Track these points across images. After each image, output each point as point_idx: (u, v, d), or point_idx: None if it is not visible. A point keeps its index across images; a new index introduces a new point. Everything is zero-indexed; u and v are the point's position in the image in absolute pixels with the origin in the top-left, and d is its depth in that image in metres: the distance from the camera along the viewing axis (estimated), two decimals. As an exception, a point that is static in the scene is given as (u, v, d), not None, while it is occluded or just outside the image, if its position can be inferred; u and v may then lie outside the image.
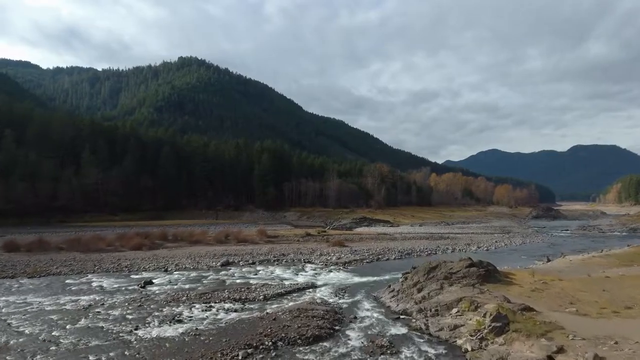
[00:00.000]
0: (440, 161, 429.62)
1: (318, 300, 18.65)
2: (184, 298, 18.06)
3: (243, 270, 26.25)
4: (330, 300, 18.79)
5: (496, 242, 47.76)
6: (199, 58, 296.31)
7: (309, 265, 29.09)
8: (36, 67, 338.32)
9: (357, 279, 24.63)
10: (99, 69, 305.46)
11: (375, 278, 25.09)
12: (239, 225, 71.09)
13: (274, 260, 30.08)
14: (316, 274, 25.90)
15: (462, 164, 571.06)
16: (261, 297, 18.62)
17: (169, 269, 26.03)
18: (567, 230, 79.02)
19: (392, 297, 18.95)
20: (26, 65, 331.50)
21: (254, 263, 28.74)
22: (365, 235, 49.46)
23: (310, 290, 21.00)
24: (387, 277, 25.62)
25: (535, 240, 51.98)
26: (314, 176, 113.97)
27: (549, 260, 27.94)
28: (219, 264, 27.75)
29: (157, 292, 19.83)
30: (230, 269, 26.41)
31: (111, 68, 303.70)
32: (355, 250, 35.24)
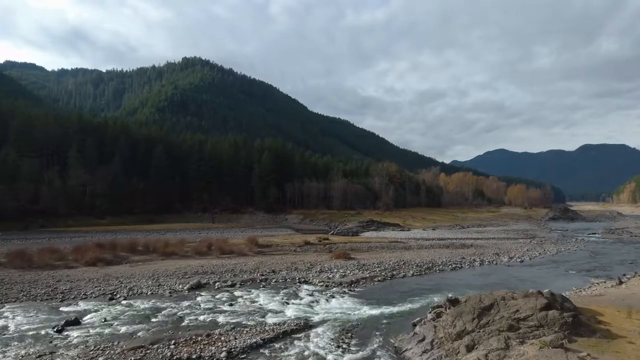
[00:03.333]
0: (447, 161, 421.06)
1: (311, 359, 12.20)
2: (101, 359, 11.62)
3: (216, 297, 19.78)
4: (330, 358, 12.33)
5: (527, 250, 40.94)
6: (203, 58, 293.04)
7: (304, 287, 22.57)
8: (41, 68, 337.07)
9: (367, 310, 18.14)
10: (104, 70, 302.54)
11: (392, 308, 18.58)
12: (235, 230, 64.85)
13: (260, 281, 23.58)
14: (313, 301, 19.41)
15: (468, 164, 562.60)
16: (222, 354, 12.13)
17: (117, 296, 19.65)
18: (595, 234, 72.03)
19: (424, 352, 12.41)
20: (31, 67, 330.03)
21: (233, 285, 22.25)
22: (374, 242, 42.82)
23: (302, 334, 14.51)
24: (407, 306, 19.13)
25: (570, 248, 45.01)
26: (318, 176, 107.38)
27: (620, 282, 21.21)
28: (186, 286, 21.31)
29: (72, 341, 13.44)
30: (199, 296, 19.96)
31: (115, 69, 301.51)
32: (364, 265, 28.66)
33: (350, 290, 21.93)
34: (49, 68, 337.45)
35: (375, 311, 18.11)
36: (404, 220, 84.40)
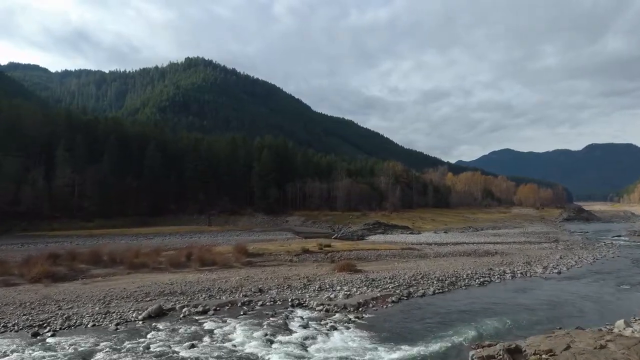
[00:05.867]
0: (452, 161, 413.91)
1: None
2: None
3: (177, 331, 14.71)
4: None
5: (560, 258, 35.56)
6: (206, 58, 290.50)
7: (298, 312, 17.49)
8: (44, 70, 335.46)
9: (382, 353, 13.09)
10: (107, 71, 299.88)
11: (415, 348, 13.52)
12: (230, 234, 60.06)
13: (242, 304, 18.46)
14: (308, 337, 14.32)
15: (474, 164, 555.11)
16: None
17: (46, 330, 14.65)
18: (620, 236, 66.68)
19: None
20: (34, 68, 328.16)
21: (205, 312, 17.15)
22: (383, 249, 37.58)
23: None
24: (436, 344, 14.04)
25: (606, 255, 39.61)
26: (320, 176, 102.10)
27: None
28: (142, 315, 16.25)
29: None
30: (154, 329, 14.91)
31: (118, 70, 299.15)
32: (373, 280, 23.49)
33: (358, 318, 16.84)
34: (52, 69, 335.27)
35: (394, 355, 13.01)
36: (412, 222, 79.08)
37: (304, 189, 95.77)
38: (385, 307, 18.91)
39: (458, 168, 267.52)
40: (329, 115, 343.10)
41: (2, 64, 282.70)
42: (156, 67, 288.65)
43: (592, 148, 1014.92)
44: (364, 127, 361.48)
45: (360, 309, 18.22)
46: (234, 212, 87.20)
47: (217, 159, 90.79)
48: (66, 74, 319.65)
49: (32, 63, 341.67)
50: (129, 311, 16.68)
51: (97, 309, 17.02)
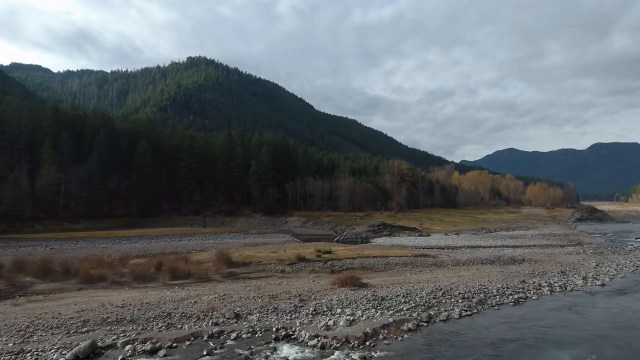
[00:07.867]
0: (456, 160, 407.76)
1: None
2: None
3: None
4: None
5: (596, 265, 30.79)
6: (208, 58, 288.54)
7: (284, 351, 12.90)
8: (47, 70, 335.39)
9: None
10: (108, 71, 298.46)
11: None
12: (223, 236, 55.50)
13: (210, 337, 13.84)
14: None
15: (478, 164, 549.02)
16: None
17: None
18: (644, 238, 61.89)
19: None
20: (37, 69, 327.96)
21: (155, 351, 12.53)
22: (392, 256, 32.77)
23: None
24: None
25: (645, 261, 34.77)
26: (322, 174, 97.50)
27: None
28: (67, 356, 11.68)
29: None
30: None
31: (120, 70, 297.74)
32: (383, 298, 18.82)
33: (364, 358, 12.25)
34: (55, 70, 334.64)
35: None
36: (420, 222, 74.29)
37: (305, 188, 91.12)
38: (400, 338, 14.30)
39: (462, 167, 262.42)
40: (332, 114, 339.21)
41: (4, 65, 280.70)
42: (158, 67, 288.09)
43: (597, 147, 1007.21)
44: (368, 126, 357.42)
45: (367, 343, 13.62)
46: (231, 212, 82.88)
47: (213, 157, 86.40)
48: (68, 74, 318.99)
49: (34, 63, 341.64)
50: (50, 349, 12.14)
51: (10, 345, 12.50)
